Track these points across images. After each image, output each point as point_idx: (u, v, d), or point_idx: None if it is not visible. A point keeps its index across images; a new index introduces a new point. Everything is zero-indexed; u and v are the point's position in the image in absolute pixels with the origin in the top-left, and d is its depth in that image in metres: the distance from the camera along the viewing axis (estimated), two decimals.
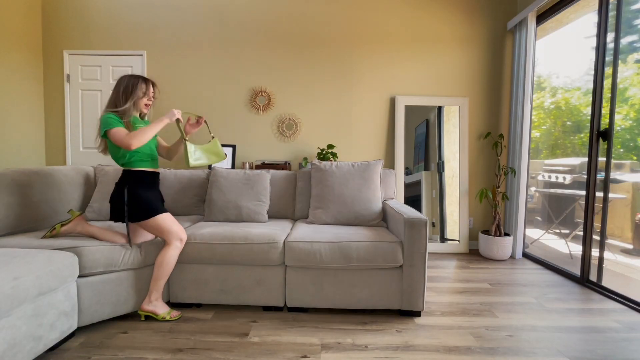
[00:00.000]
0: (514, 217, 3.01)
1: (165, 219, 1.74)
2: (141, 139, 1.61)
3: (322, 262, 1.81)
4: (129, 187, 1.69)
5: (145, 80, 1.75)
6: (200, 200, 2.50)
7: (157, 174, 1.85)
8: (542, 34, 3.06)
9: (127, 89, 1.70)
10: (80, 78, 3.31)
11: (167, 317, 1.75)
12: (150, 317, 1.77)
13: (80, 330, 1.64)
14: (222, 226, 2.05)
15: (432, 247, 3.17)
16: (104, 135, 1.65)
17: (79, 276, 1.59)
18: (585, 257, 2.37)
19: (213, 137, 1.94)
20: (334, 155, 3.01)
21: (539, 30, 2.98)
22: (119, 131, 1.61)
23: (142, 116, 1.83)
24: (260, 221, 2.26)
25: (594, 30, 2.33)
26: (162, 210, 1.76)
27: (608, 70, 2.24)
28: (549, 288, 2.30)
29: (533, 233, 3.38)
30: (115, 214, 1.71)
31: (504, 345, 1.57)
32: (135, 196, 1.69)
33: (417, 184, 3.22)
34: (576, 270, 2.47)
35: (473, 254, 3.14)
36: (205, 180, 2.52)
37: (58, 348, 1.49)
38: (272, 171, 2.55)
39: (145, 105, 1.77)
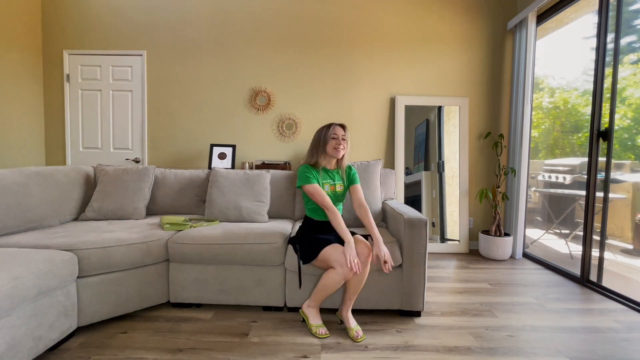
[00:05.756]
0: (514, 217, 3.01)
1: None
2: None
3: None
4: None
5: (329, 125, 1.79)
6: (200, 200, 2.49)
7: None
8: (542, 34, 3.06)
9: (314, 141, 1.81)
10: (80, 78, 3.30)
11: (314, 331, 1.65)
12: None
13: (80, 330, 1.64)
14: (222, 226, 2.05)
15: (432, 247, 3.17)
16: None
17: (79, 276, 1.59)
18: (586, 257, 2.37)
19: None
20: None
21: (539, 30, 2.98)
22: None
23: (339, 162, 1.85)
24: (260, 221, 2.26)
25: (594, 31, 2.33)
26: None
27: (608, 71, 2.24)
28: (549, 288, 2.30)
29: (533, 233, 3.38)
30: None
31: (504, 345, 1.57)
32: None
33: (417, 184, 3.22)
34: (576, 271, 2.47)
35: (473, 254, 3.14)
36: (205, 181, 2.52)
37: (58, 348, 1.49)
38: (272, 171, 2.55)
39: (335, 148, 1.77)
